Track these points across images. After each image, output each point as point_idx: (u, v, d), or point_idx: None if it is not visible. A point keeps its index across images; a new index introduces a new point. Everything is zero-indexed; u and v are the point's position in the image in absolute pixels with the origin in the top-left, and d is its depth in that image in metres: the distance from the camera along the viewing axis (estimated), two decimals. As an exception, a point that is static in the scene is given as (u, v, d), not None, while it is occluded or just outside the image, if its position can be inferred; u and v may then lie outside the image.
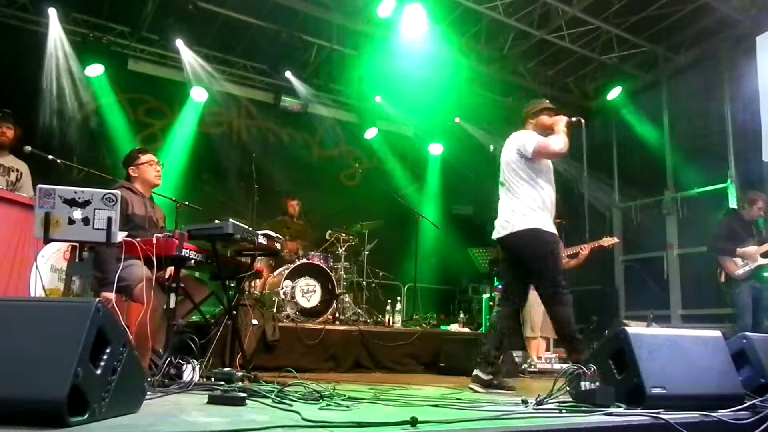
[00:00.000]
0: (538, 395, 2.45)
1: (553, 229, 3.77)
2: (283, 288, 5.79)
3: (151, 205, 3.85)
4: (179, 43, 7.56)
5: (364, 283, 7.00)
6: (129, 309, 3.30)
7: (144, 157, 3.86)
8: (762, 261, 5.18)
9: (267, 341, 4.90)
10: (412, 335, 5.81)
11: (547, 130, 3.83)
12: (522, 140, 3.82)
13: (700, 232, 6.41)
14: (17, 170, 4.62)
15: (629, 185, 8.68)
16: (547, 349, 6.14)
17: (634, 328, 2.54)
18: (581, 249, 5.97)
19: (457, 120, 9.71)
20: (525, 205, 3.74)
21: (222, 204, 7.13)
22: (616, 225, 8.71)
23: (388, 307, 6.74)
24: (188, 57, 7.76)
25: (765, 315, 5.23)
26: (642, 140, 8.18)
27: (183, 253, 3.11)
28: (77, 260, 2.69)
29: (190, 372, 2.97)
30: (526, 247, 3.68)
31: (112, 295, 3.01)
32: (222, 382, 2.93)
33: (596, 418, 2.09)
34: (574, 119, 3.82)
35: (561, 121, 3.79)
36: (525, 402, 2.47)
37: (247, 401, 2.34)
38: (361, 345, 5.46)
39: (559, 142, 3.71)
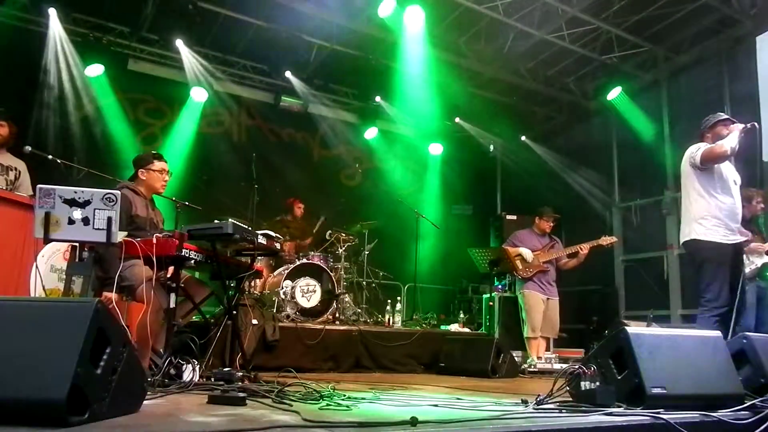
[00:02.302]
0: (538, 395, 2.45)
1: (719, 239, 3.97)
2: (283, 288, 5.79)
3: (152, 208, 3.86)
4: (179, 43, 7.57)
5: (364, 283, 7.00)
6: (129, 309, 3.30)
7: (158, 164, 3.87)
8: (765, 259, 5.18)
9: (267, 341, 4.90)
10: (412, 335, 5.81)
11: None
12: (691, 151, 4.07)
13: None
14: (15, 169, 4.61)
15: (629, 185, 8.67)
16: (547, 349, 6.14)
17: (634, 328, 2.54)
18: (580, 248, 5.98)
19: (457, 120, 9.72)
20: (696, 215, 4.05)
21: (222, 204, 7.13)
22: (616, 225, 8.70)
23: (388, 307, 6.74)
24: (188, 57, 7.76)
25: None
26: (642, 140, 8.18)
27: (183, 253, 3.11)
28: (77, 260, 2.69)
29: (190, 372, 2.97)
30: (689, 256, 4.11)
31: (114, 295, 3.01)
32: (222, 382, 2.93)
33: (596, 418, 2.09)
34: (748, 125, 3.97)
35: (735, 130, 3.94)
36: (525, 402, 2.47)
37: (247, 401, 2.34)
38: (361, 345, 5.47)
39: (722, 145, 3.91)
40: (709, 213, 3.98)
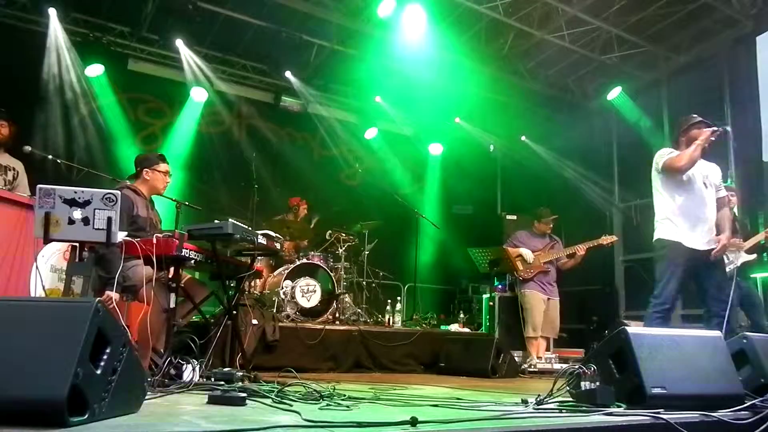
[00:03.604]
0: (538, 395, 2.45)
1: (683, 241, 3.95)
2: (283, 288, 5.79)
3: (151, 208, 3.87)
4: (179, 43, 7.56)
5: (364, 283, 7.00)
6: (129, 309, 3.30)
7: (163, 166, 3.89)
8: (747, 257, 5.17)
9: (267, 341, 4.90)
10: (412, 335, 5.81)
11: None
12: (657, 156, 4.10)
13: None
14: (13, 169, 4.61)
15: (629, 185, 8.67)
16: (547, 349, 6.14)
17: (634, 328, 2.54)
18: (578, 249, 5.98)
19: (457, 120, 9.72)
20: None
21: (222, 204, 7.13)
22: (616, 225, 8.70)
23: (388, 307, 6.74)
24: (188, 57, 7.76)
25: (760, 314, 5.21)
26: (642, 140, 8.17)
27: (183, 253, 3.11)
28: (77, 260, 2.69)
29: (190, 372, 2.97)
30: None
31: (116, 295, 3.02)
32: (222, 382, 2.93)
33: (596, 418, 2.09)
34: (719, 130, 3.96)
35: (703, 134, 3.93)
36: (525, 402, 2.47)
37: (247, 401, 2.34)
38: (361, 345, 5.46)
39: (681, 158, 3.93)
40: (668, 214, 4.02)
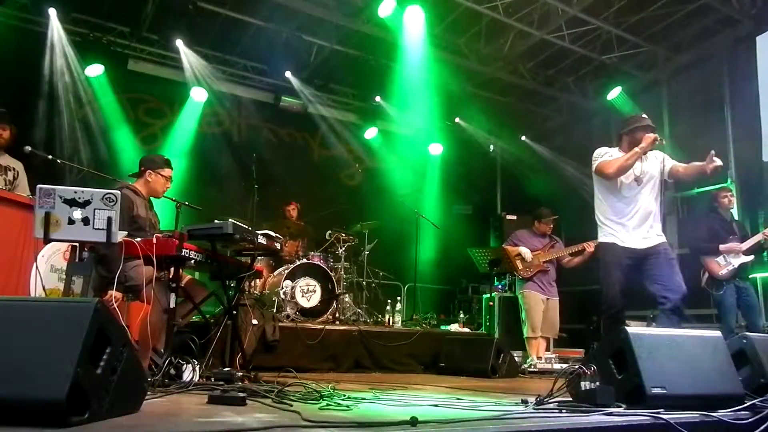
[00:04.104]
0: (538, 395, 2.45)
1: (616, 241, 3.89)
2: (283, 288, 5.79)
3: (150, 209, 3.87)
4: (179, 43, 7.56)
5: (364, 283, 7.00)
6: (129, 308, 3.30)
7: (166, 171, 3.90)
8: (745, 259, 5.18)
9: (267, 341, 4.91)
10: (412, 335, 5.81)
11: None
12: (594, 156, 3.99)
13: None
14: (14, 169, 4.62)
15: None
16: (547, 349, 6.14)
17: (634, 328, 2.54)
18: (587, 246, 5.93)
19: (457, 120, 9.72)
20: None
21: (222, 204, 7.13)
22: (616, 225, 8.69)
23: (388, 307, 6.74)
24: (188, 57, 7.76)
25: (756, 315, 5.22)
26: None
27: (183, 253, 3.12)
28: (77, 260, 2.69)
29: (190, 372, 2.97)
30: None
31: (119, 294, 3.02)
32: (222, 382, 2.94)
33: (596, 418, 2.09)
34: (658, 140, 3.81)
35: (646, 141, 3.79)
36: (525, 402, 2.47)
37: (247, 401, 2.34)
38: (361, 345, 5.47)
39: (611, 165, 3.82)
40: (602, 215, 3.97)
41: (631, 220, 3.85)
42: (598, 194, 4.02)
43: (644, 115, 4.03)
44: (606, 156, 3.91)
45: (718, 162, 3.62)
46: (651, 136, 3.78)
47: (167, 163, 3.93)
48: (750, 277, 5.41)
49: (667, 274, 3.73)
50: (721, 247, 5.22)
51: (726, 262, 5.18)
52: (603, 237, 3.97)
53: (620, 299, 3.84)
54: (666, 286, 3.71)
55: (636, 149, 3.78)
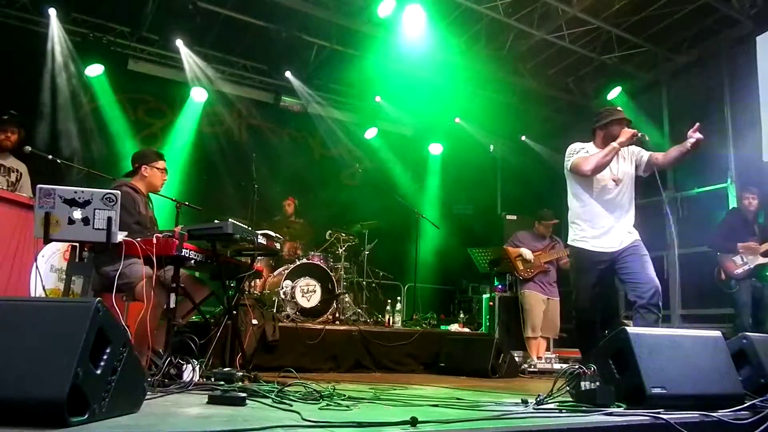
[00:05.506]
0: (538, 395, 2.45)
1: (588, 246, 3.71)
2: (283, 288, 5.79)
3: (150, 206, 3.86)
4: (179, 43, 7.56)
5: (364, 283, 7.00)
6: (129, 308, 3.30)
7: (160, 164, 3.87)
8: (762, 260, 5.18)
9: (267, 341, 4.90)
10: (412, 335, 5.81)
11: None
12: (567, 153, 3.78)
13: (700, 232, 6.40)
14: (17, 170, 4.64)
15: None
16: (547, 349, 6.15)
17: (634, 328, 2.54)
18: None
19: (457, 120, 9.72)
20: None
21: (222, 204, 7.13)
22: (616, 225, 8.69)
23: (388, 307, 6.74)
24: (188, 57, 7.76)
25: (766, 314, 5.22)
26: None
27: (183, 253, 3.11)
28: (77, 260, 2.69)
29: (190, 372, 2.97)
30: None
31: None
32: (222, 382, 2.93)
33: (596, 418, 2.09)
34: (639, 135, 3.60)
35: (624, 136, 3.57)
36: (525, 402, 2.47)
37: (247, 401, 2.34)
38: (361, 345, 5.46)
39: (587, 162, 3.61)
40: (574, 216, 3.78)
41: (607, 222, 3.65)
42: (571, 192, 3.80)
43: (619, 108, 3.84)
44: (582, 152, 3.70)
45: (698, 135, 3.40)
46: (629, 131, 3.59)
47: (159, 156, 3.91)
48: (767, 275, 5.37)
49: (638, 270, 3.53)
50: (739, 245, 5.22)
51: (743, 261, 5.19)
52: (573, 240, 3.78)
53: (590, 305, 3.68)
54: (637, 283, 3.51)
55: (614, 144, 3.56)
